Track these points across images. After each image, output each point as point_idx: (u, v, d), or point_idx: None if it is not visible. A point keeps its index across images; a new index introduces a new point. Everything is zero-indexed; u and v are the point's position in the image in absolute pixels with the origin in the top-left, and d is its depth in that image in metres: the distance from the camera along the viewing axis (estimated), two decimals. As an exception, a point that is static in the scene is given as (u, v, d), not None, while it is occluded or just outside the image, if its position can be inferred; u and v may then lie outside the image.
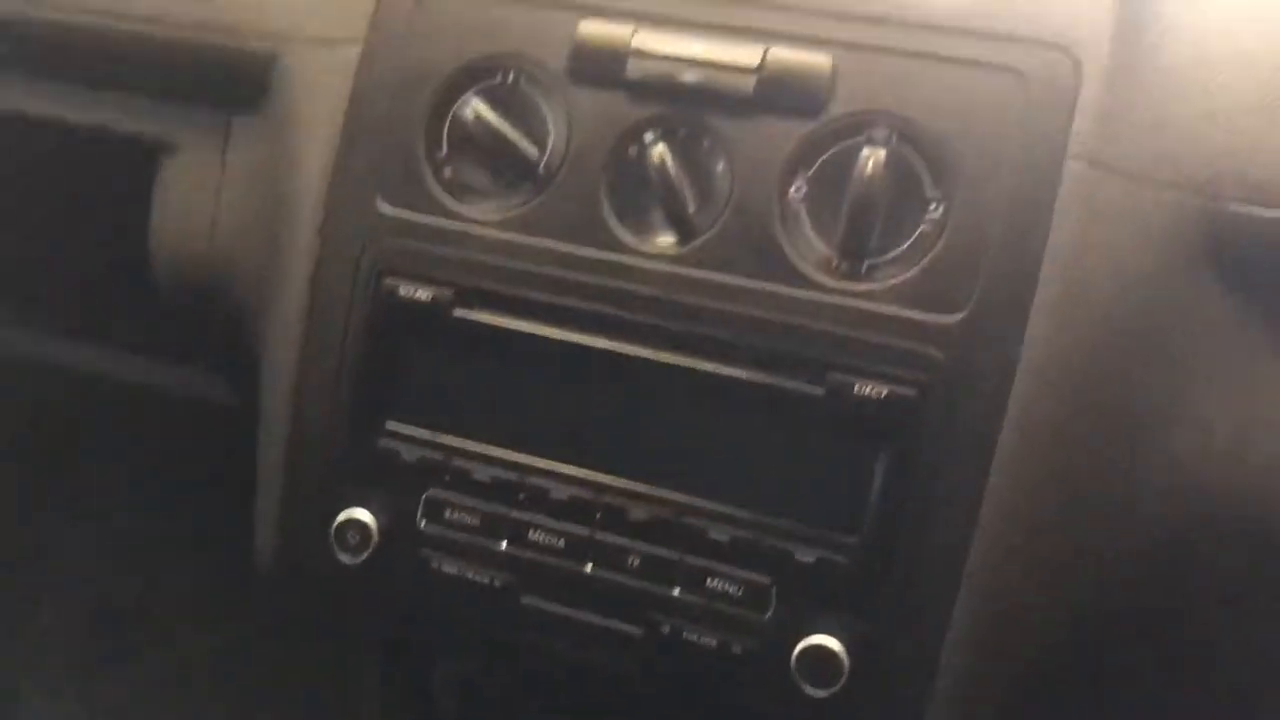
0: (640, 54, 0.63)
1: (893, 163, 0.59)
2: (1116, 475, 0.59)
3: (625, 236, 0.63)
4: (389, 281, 0.66)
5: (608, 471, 0.63)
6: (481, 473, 0.65)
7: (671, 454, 0.63)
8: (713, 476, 0.62)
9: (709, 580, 0.62)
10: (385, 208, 0.66)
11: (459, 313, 0.65)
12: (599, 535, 0.63)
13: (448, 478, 0.66)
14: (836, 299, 0.60)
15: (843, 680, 0.59)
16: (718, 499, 0.62)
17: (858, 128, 0.60)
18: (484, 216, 0.65)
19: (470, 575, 0.65)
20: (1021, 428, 0.57)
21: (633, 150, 0.63)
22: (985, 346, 0.58)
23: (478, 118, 0.64)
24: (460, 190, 0.66)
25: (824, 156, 0.61)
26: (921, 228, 0.59)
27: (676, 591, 0.62)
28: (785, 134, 0.61)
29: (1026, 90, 0.58)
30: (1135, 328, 0.58)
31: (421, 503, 0.66)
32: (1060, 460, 0.58)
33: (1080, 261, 0.57)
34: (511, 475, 0.65)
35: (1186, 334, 0.59)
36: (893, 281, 0.59)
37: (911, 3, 0.61)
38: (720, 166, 0.62)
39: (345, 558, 0.66)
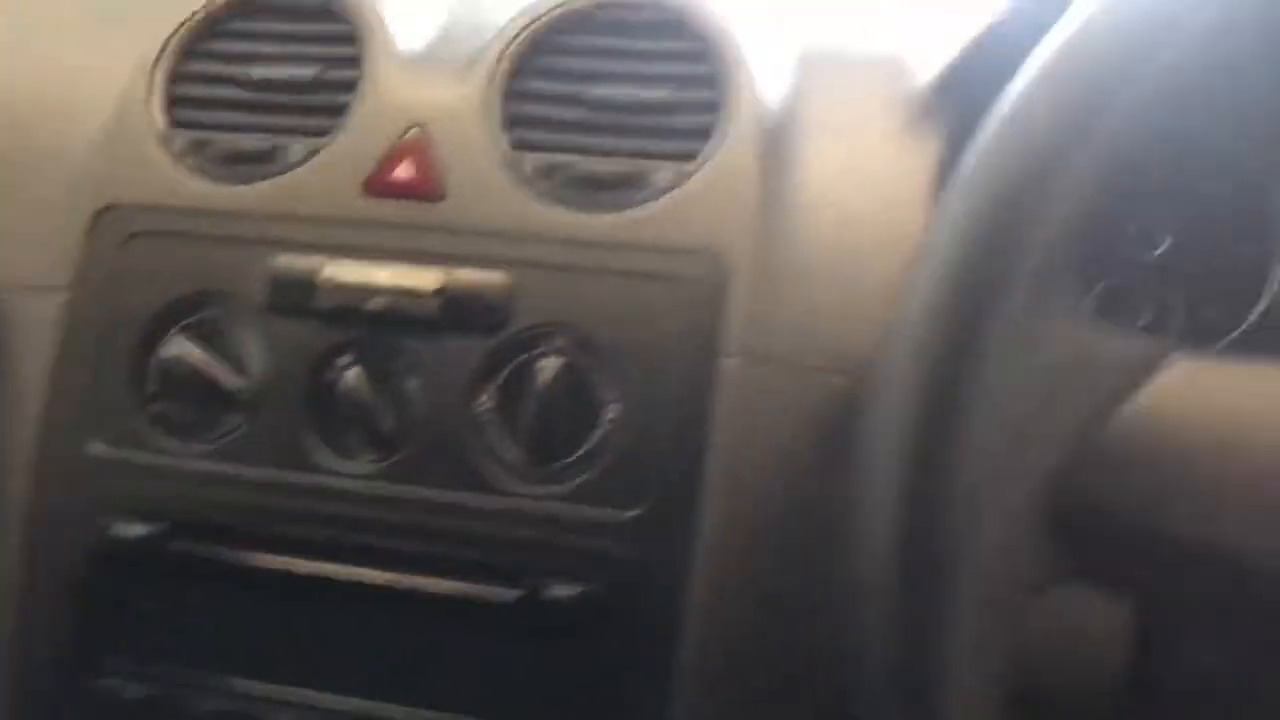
0: (329, 285, 0.66)
1: (571, 371, 0.63)
2: (800, 634, 0.63)
3: (327, 459, 0.65)
4: (103, 520, 0.67)
5: (327, 691, 0.65)
6: (206, 703, 0.66)
7: (386, 669, 0.64)
8: (427, 687, 0.64)
9: (431, 791, 0.63)
10: (97, 448, 0.68)
11: (174, 546, 0.66)
12: (321, 757, 0.64)
13: (172, 712, 0.66)
14: (526, 504, 0.63)
15: None
16: (433, 709, 0.63)
17: (537, 340, 0.64)
18: (193, 450, 0.67)
19: None
20: (703, 610, 0.61)
21: (329, 375, 0.66)
22: (662, 538, 0.61)
23: (181, 355, 0.66)
24: (169, 426, 0.67)
25: (508, 369, 0.64)
26: (600, 430, 0.63)
27: (403, 804, 0.63)
28: (470, 350, 0.64)
29: (681, 295, 0.63)
30: (796, 501, 0.62)
31: (149, 739, 0.66)
32: (742, 631, 0.62)
33: (742, 448, 0.62)
34: (234, 704, 0.65)
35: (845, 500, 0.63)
36: (576, 483, 0.63)
37: (579, 222, 0.66)
38: (413, 385, 0.65)
39: (76, 806, 0.66)
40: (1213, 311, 0.72)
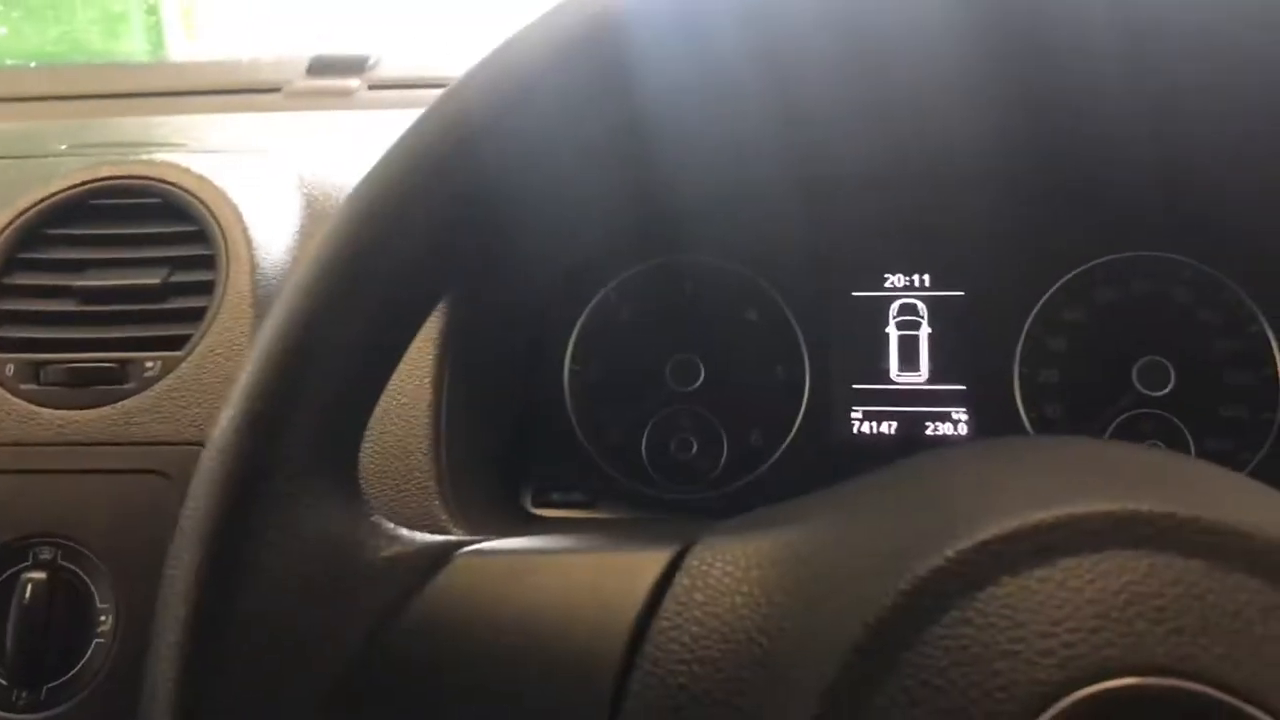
0: None
1: (58, 583, 0.59)
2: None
3: None
4: None
5: None
6: None
7: None
8: None
9: None
10: None
11: None
12: None
13: None
14: (11, 737, 0.58)
15: None
16: None
17: (22, 554, 0.60)
18: None
19: None
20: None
21: None
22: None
23: None
24: None
25: None
26: (95, 642, 0.59)
27: None
28: (-50, 576, 0.60)
29: (173, 490, 0.60)
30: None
31: None
32: None
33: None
34: None
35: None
36: (69, 705, 0.58)
37: (64, 421, 0.62)
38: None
39: None
40: (755, 435, 0.74)
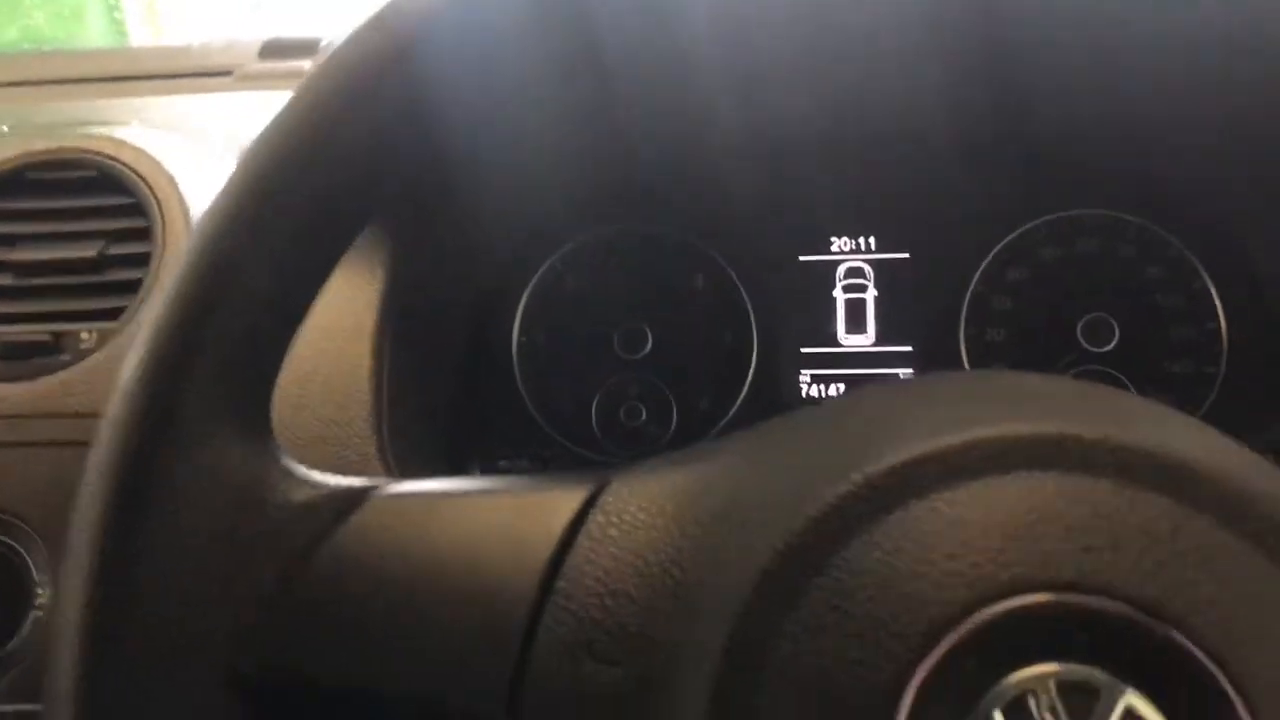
0: None
1: (-6, 558, 0.58)
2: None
3: None
4: None
5: None
6: None
7: None
8: None
9: None
10: None
11: None
12: None
13: None
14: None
15: None
16: None
17: (-45, 529, 0.59)
18: None
19: None
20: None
21: None
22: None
23: None
24: None
25: None
26: (33, 615, 0.58)
27: None
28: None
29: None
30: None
31: None
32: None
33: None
34: None
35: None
36: (6, 679, 0.58)
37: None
38: None
39: None
40: (704, 401, 0.74)
